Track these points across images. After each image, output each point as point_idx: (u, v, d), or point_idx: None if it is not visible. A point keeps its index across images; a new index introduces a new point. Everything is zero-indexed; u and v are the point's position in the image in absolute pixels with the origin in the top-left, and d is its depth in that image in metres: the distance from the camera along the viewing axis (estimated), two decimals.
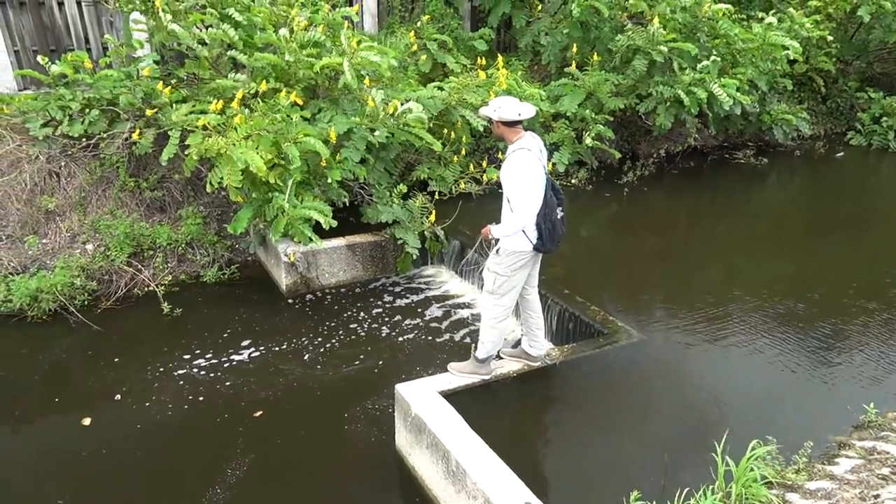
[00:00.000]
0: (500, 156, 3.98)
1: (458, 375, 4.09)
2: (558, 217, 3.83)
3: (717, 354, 4.72)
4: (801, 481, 3.19)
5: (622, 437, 3.90)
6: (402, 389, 3.86)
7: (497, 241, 3.94)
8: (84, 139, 6.28)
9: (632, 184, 8.48)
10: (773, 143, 10.15)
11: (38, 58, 6.34)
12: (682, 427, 3.96)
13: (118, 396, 4.58)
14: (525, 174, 3.67)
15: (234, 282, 6.29)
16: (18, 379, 4.80)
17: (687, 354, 4.71)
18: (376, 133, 6.09)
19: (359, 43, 6.39)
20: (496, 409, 4.15)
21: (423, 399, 3.75)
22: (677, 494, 2.98)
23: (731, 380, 4.43)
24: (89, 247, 6.06)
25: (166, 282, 6.05)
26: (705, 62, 8.00)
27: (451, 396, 3.86)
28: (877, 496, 2.86)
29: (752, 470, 3.07)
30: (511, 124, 3.77)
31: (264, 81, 6.16)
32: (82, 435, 4.22)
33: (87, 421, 4.33)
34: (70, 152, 6.31)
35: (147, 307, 5.71)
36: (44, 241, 6.00)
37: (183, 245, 6.32)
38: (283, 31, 6.34)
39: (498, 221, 3.89)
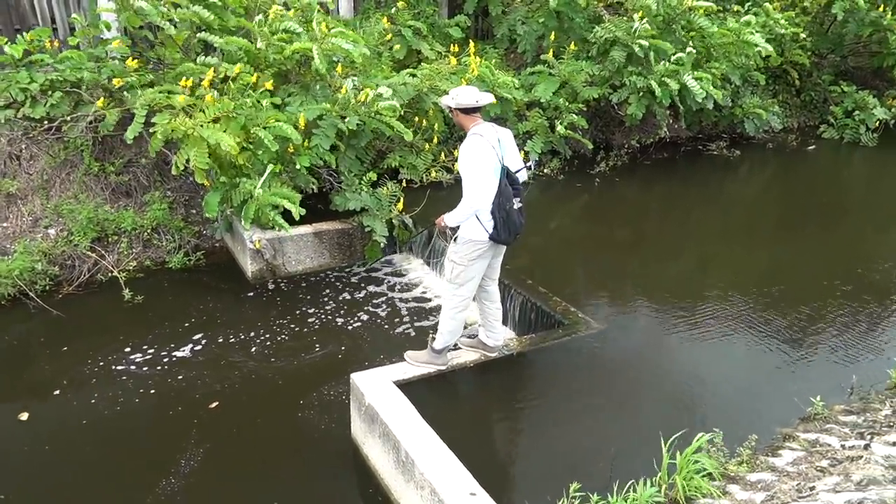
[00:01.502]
0: None
1: (415, 364, 4.11)
2: (514, 207, 3.83)
3: (676, 346, 4.77)
4: (743, 473, 3.25)
5: (574, 428, 3.93)
6: (357, 378, 3.87)
7: (454, 229, 3.95)
8: (46, 121, 6.18)
9: (604, 174, 8.51)
10: (746, 135, 10.20)
11: None
12: (635, 419, 4.00)
13: (56, 392, 4.47)
14: (474, 159, 3.71)
15: (200, 268, 6.25)
16: None
17: (646, 346, 4.75)
18: (346, 120, 6.05)
19: (329, 28, 6.33)
20: (451, 400, 4.18)
21: (376, 388, 3.77)
22: (616, 486, 3.02)
23: (687, 371, 4.47)
24: (52, 231, 5.99)
25: (131, 267, 6.00)
26: (680, 54, 8.02)
27: (406, 386, 3.88)
28: (812, 488, 2.92)
29: (695, 462, 3.12)
30: (468, 112, 3.82)
31: (238, 65, 6.09)
32: (22, 428, 4.14)
33: (24, 416, 4.23)
34: (32, 135, 6.21)
35: (109, 293, 5.65)
36: (4, 224, 5.92)
37: (148, 230, 6.26)
38: (258, 17, 6.28)
39: None
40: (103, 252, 5.99)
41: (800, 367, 4.59)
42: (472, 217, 3.81)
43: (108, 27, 6.53)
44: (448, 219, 3.88)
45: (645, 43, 7.97)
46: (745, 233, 7.10)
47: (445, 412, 3.90)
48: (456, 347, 4.32)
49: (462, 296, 4.02)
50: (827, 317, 5.18)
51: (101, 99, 5.95)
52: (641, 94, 8.09)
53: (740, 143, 10.15)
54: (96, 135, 6.23)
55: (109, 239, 6.13)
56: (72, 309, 5.40)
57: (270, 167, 5.61)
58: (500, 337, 4.29)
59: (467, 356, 4.27)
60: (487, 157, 3.71)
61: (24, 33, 6.39)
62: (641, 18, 8.02)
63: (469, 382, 4.22)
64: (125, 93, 6.06)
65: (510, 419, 4.07)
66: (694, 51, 8.19)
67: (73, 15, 6.92)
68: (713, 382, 4.38)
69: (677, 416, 3.96)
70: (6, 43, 6.02)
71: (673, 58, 8.09)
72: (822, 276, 5.86)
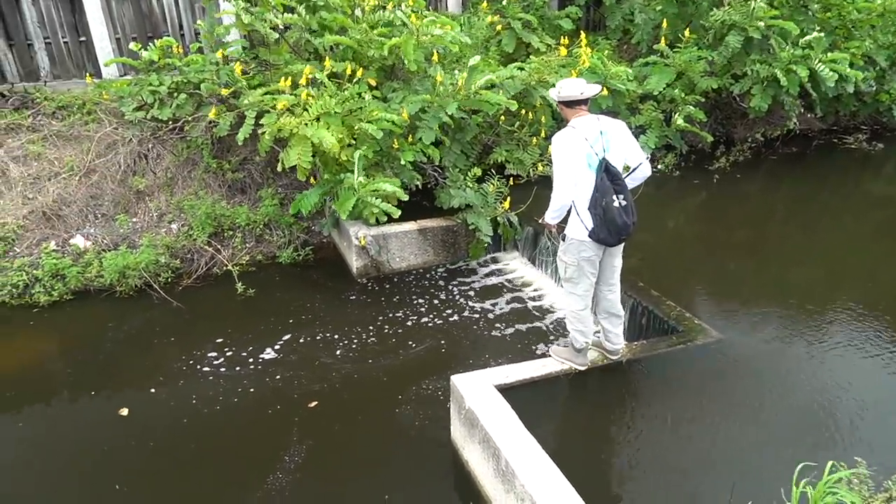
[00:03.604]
0: None
1: (558, 360, 4.03)
2: (616, 204, 3.55)
3: (806, 361, 4.31)
4: None
5: (689, 445, 3.63)
6: (458, 381, 3.77)
7: (561, 227, 3.87)
8: (171, 122, 6.55)
9: (724, 170, 7.92)
10: (891, 126, 9.20)
11: (131, 44, 6.68)
12: (756, 439, 3.64)
13: (155, 388, 4.53)
14: (561, 151, 3.63)
15: (308, 263, 6.40)
16: (94, 352, 5.05)
17: (771, 359, 4.33)
18: (447, 108, 5.96)
19: (419, 16, 6.29)
20: (555, 407, 3.98)
21: (477, 392, 3.65)
22: None
23: (819, 389, 4.02)
24: (174, 226, 6.33)
25: (244, 261, 6.23)
26: (809, 37, 7.32)
27: (508, 391, 3.73)
28: None
29: (830, 494, 2.76)
30: (571, 104, 3.70)
31: (346, 63, 6.17)
32: (123, 424, 4.24)
33: (124, 411, 4.33)
34: (158, 135, 6.60)
35: (224, 286, 5.88)
36: (134, 219, 6.32)
37: (260, 226, 6.48)
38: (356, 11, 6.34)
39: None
40: (219, 246, 6.26)
41: None
42: (574, 215, 3.73)
43: (228, 31, 6.81)
44: (547, 216, 3.87)
45: (762, 24, 7.33)
46: (887, 238, 6.36)
47: (548, 420, 3.72)
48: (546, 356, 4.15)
49: (578, 294, 3.89)
50: None
51: (214, 111, 6.22)
52: (766, 83, 7.46)
53: (884, 135, 9.17)
54: (214, 134, 6.53)
55: (225, 234, 6.40)
56: (191, 301, 5.67)
57: (360, 153, 5.60)
58: (620, 342, 4.10)
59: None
60: (574, 149, 3.58)
61: (156, 40, 6.81)
62: None
63: (574, 389, 4.01)
64: (236, 99, 6.31)
65: (616, 431, 3.82)
66: (823, 35, 7.42)
67: (198, 22, 7.30)
68: (847, 403, 3.90)
69: (806, 439, 3.58)
70: (140, 48, 6.43)
71: (801, 41, 7.40)
72: None
